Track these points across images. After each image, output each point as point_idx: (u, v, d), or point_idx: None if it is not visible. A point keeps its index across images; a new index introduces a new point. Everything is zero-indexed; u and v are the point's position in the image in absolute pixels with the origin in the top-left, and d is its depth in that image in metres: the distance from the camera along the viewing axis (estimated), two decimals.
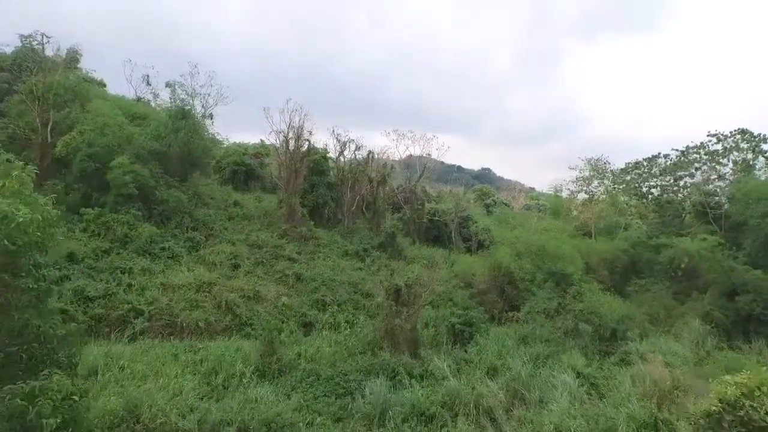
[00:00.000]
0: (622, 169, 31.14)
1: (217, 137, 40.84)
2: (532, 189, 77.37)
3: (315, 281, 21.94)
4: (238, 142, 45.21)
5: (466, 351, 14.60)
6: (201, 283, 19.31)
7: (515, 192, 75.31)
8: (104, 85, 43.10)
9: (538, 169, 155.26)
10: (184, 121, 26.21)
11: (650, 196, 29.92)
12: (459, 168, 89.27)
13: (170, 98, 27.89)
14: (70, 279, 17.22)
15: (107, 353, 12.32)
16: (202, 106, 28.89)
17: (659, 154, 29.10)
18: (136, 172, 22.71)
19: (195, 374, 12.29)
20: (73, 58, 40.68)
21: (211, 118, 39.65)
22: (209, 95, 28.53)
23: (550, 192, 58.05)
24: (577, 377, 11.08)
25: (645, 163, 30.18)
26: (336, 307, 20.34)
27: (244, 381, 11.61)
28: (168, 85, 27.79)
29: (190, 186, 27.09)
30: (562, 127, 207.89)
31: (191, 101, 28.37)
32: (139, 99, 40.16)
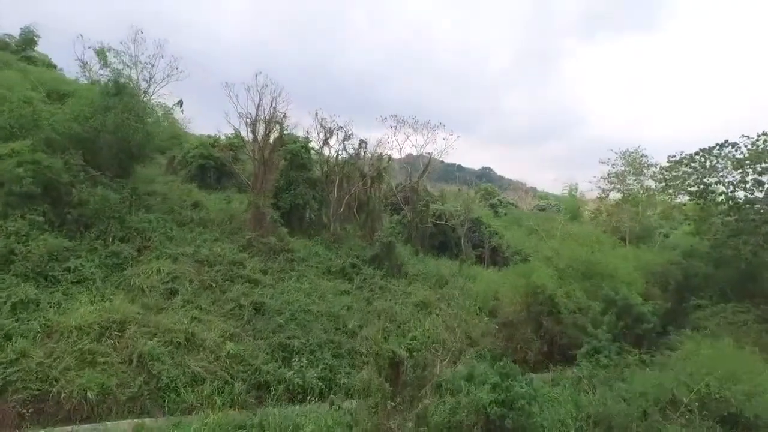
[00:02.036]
0: (676, 161, 24.94)
1: (182, 126, 35.14)
2: (534, 188, 72.57)
3: (281, 314, 15.73)
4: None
5: None
6: (109, 323, 13.18)
7: (521, 192, 69.68)
8: (54, 67, 37.43)
9: (537, 168, 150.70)
10: (117, 97, 20.00)
11: (710, 195, 23.73)
12: (459, 167, 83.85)
13: (100, 68, 21.55)
14: None
15: None
16: (146, 81, 22.60)
17: (726, 142, 23.01)
18: (39, 164, 16.63)
19: None
20: (28, 39, 35.28)
21: (180, 105, 33.86)
22: (153, 66, 22.16)
23: (559, 192, 52.74)
24: None
25: (703, 155, 24.06)
26: (308, 355, 14.12)
27: None
28: (99, 52, 21.45)
29: (129, 183, 20.95)
30: (562, 127, 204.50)
31: (134, 73, 22.21)
32: (93, 82, 34.27)
